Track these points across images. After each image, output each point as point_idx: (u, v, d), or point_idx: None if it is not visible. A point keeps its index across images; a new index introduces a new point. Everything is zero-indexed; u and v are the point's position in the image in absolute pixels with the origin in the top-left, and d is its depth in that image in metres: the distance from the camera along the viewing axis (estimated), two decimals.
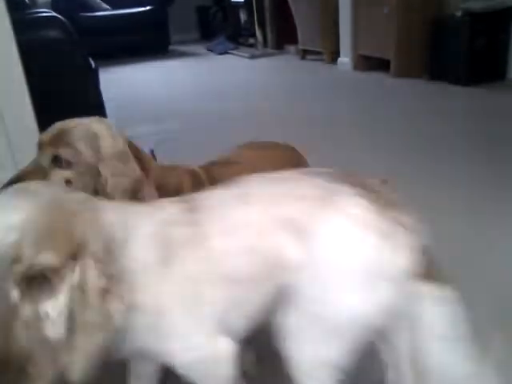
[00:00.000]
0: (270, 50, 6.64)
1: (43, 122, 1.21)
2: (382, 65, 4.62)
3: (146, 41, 7.24)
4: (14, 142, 2.15)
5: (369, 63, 4.83)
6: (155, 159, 2.48)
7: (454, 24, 3.91)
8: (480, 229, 1.85)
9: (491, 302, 1.39)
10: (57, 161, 1.05)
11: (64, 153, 1.04)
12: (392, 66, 4.45)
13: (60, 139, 1.03)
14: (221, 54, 6.95)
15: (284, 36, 6.50)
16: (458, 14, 3.87)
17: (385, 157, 2.66)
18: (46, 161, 1.07)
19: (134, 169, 1.06)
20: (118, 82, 5.52)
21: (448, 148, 2.71)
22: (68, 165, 1.04)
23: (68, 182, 1.05)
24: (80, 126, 1.05)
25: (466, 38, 3.80)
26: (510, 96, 3.60)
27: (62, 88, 2.37)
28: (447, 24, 4.00)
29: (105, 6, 7.39)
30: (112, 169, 1.04)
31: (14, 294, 0.63)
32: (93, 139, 1.05)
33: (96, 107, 2.48)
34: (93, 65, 2.61)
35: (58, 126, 1.07)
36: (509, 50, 3.93)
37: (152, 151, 2.68)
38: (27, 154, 1.26)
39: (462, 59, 3.88)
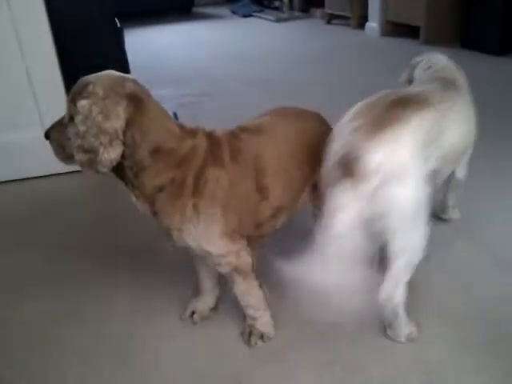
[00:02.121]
0: (295, 13, 6.46)
1: (69, 80, 1.20)
2: (411, 31, 4.47)
3: (169, 2, 7.11)
4: (40, 100, 2.16)
5: (397, 29, 4.68)
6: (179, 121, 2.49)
7: None
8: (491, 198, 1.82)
9: None
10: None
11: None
12: (421, 32, 4.31)
13: (78, 94, 1.02)
14: (245, 16, 6.80)
15: None
16: None
17: None
18: (65, 117, 1.08)
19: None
20: (141, 43, 5.46)
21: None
22: None
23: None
24: (99, 81, 1.03)
25: (500, 4, 3.64)
26: None
27: (89, 47, 2.36)
28: None
29: None
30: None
31: None
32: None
33: (121, 67, 2.46)
34: (118, 24, 2.58)
35: (80, 81, 1.06)
36: None
37: (175, 114, 2.68)
38: (54, 112, 1.27)
39: (495, 26, 3.72)
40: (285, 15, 6.41)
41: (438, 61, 1.62)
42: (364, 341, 1.27)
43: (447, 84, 1.42)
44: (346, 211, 1.06)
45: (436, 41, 4.24)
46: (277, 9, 6.80)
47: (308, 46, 4.77)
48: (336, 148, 1.15)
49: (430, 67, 1.60)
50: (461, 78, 1.55)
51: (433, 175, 1.20)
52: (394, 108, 1.16)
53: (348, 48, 4.57)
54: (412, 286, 1.23)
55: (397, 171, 1.07)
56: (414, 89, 1.42)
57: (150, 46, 5.37)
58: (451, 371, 1.17)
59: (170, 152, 1.07)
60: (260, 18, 6.60)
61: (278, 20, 6.21)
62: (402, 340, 1.26)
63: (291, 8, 6.62)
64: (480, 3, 3.83)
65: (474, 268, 1.52)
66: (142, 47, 5.24)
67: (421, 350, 1.23)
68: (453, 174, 1.63)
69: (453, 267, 1.53)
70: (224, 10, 7.49)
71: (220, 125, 1.27)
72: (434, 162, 1.21)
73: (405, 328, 1.25)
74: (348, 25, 5.38)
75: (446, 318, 1.33)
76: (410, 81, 1.67)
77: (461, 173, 1.65)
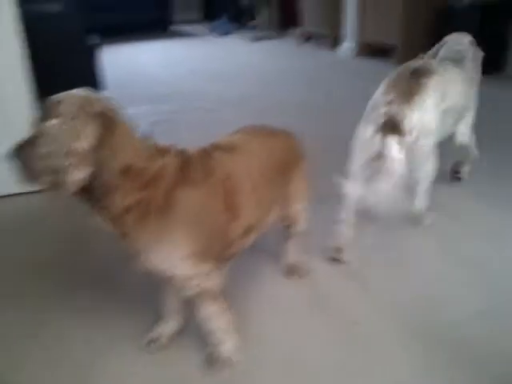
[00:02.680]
0: (272, 33, 6.54)
1: (43, 96, 1.17)
2: (385, 52, 4.56)
3: (146, 19, 7.13)
4: (10, 115, 2.11)
5: (372, 50, 4.77)
6: (152, 140, 2.46)
7: (462, 12, 3.85)
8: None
9: None
10: None
11: None
12: (396, 52, 4.39)
13: (47, 113, 1.00)
14: (223, 35, 6.86)
15: (287, 19, 6.41)
16: (466, 3, 3.81)
17: None
18: (33, 137, 1.04)
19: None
20: (118, 60, 5.44)
21: None
22: None
23: None
24: (68, 99, 1.00)
25: (473, 27, 3.73)
26: (508, 89, 3.56)
27: (63, 63, 2.34)
28: (455, 12, 3.94)
29: None
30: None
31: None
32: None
33: (96, 84, 2.44)
34: (94, 41, 2.56)
35: (50, 100, 1.03)
36: (510, 43, 3.88)
37: (149, 131, 2.66)
38: (23, 129, 1.23)
39: None
40: (262, 34, 6.48)
41: (460, 42, 2.13)
42: (330, 364, 1.25)
43: (455, 61, 1.97)
44: (399, 156, 1.51)
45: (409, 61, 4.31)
46: (254, 28, 6.88)
47: (284, 65, 4.82)
48: (379, 115, 1.58)
49: (451, 47, 2.11)
50: (468, 59, 2.04)
51: (441, 121, 1.72)
52: (414, 77, 1.67)
53: (323, 67, 4.63)
54: None
55: (425, 129, 1.60)
56: (422, 61, 1.91)
57: (127, 62, 5.36)
58: None
59: (139, 172, 1.04)
60: (237, 36, 6.66)
61: (255, 39, 6.27)
62: (425, 222, 1.83)
63: (268, 27, 6.70)
64: (454, 25, 3.92)
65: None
66: (119, 64, 5.21)
67: None
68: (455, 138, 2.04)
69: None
70: (202, 29, 7.54)
71: (195, 142, 1.25)
72: (443, 112, 1.72)
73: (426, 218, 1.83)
74: (324, 44, 5.46)
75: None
76: (434, 56, 2.11)
77: (463, 137, 2.05)
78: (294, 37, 6.20)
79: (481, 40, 3.65)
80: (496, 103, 3.22)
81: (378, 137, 1.54)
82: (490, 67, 3.85)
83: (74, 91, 1.04)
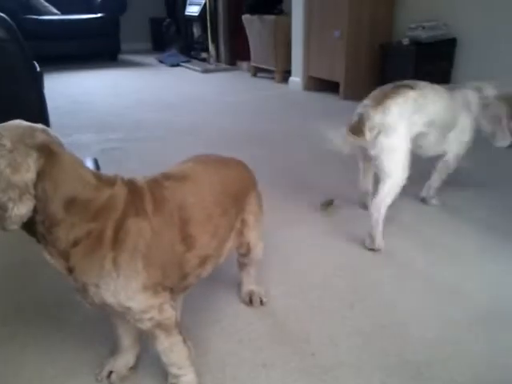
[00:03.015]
0: (222, 65, 6.64)
1: None
2: (331, 86, 4.72)
3: (94, 48, 7.07)
4: None
5: (319, 84, 4.93)
6: (98, 169, 2.40)
7: (401, 51, 4.08)
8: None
9: None
10: None
11: None
12: (341, 88, 4.56)
13: None
14: (172, 66, 6.89)
15: (237, 52, 6.53)
16: (405, 41, 4.03)
17: (334, 174, 2.70)
18: None
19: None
20: (64, 88, 5.34)
21: None
22: None
23: None
24: (6, 131, 0.96)
25: (411, 64, 3.96)
26: None
27: (5, 91, 2.25)
28: (394, 51, 4.16)
29: (54, 10, 7.15)
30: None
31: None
32: None
33: (39, 113, 2.36)
34: (37, 68, 2.49)
35: None
36: (450, 79, 4.13)
37: (95, 160, 2.59)
38: None
39: None
40: (212, 66, 6.56)
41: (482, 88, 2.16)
42: None
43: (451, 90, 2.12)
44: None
45: (354, 96, 4.49)
46: (204, 60, 6.96)
47: (233, 97, 4.89)
48: (356, 113, 1.92)
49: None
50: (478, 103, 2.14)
51: (422, 136, 1.96)
52: (392, 91, 1.89)
53: (272, 100, 4.73)
54: None
55: (386, 128, 1.82)
56: (407, 81, 1.99)
57: (73, 90, 5.26)
58: None
59: (85, 203, 1.00)
60: (187, 68, 6.71)
61: (205, 71, 6.34)
62: (376, 247, 1.89)
63: (218, 60, 6.80)
64: (393, 64, 4.15)
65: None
66: (64, 92, 5.11)
67: None
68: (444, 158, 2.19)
69: None
70: (151, 59, 7.55)
71: (144, 171, 1.23)
72: (421, 126, 1.92)
73: (379, 238, 1.89)
74: (273, 78, 5.59)
75: None
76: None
77: (450, 155, 2.17)
78: (243, 70, 6.33)
79: (420, 76, 3.92)
80: None
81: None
82: None
83: (12, 122, 0.99)
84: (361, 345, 1.40)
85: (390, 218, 1.94)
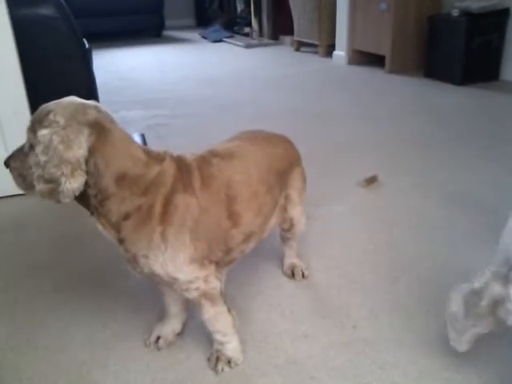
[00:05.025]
0: (265, 40, 6.58)
1: (35, 103, 1.17)
2: (376, 60, 4.61)
3: (139, 24, 7.15)
4: (4, 124, 2.11)
5: (363, 58, 4.83)
6: (145, 144, 2.46)
7: (450, 23, 3.92)
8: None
9: None
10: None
11: (32, 138, 1.01)
12: (387, 61, 4.45)
13: (39, 123, 1.00)
14: (215, 41, 6.89)
15: (280, 27, 6.45)
16: (455, 13, 3.87)
17: (375, 151, 2.67)
18: (26, 146, 1.05)
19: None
20: (110, 65, 5.45)
21: (438, 146, 2.72)
22: None
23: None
24: (59, 108, 1.00)
25: (461, 37, 3.80)
26: (502, 96, 3.63)
27: (56, 68, 2.33)
28: (443, 23, 4.01)
29: None
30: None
31: None
32: None
33: (89, 89, 2.44)
34: (86, 45, 2.56)
35: (41, 108, 1.03)
36: (502, 51, 3.95)
37: (143, 136, 2.66)
38: (18, 136, 1.23)
39: (457, 58, 3.89)
40: (255, 41, 6.51)
41: None
42: (329, 366, 1.26)
43: None
44: None
45: (401, 70, 4.38)
46: (247, 35, 6.92)
47: (277, 72, 4.86)
48: None
49: None
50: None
51: None
52: None
53: (315, 75, 4.67)
54: None
55: None
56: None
57: (119, 67, 5.36)
58: None
59: (135, 179, 1.05)
60: (230, 43, 6.69)
61: (248, 46, 6.31)
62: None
63: (261, 35, 6.75)
64: (442, 36, 4.00)
65: None
66: (109, 68, 5.22)
67: None
68: None
69: None
70: (194, 35, 7.57)
71: (190, 148, 1.27)
72: None
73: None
74: (316, 52, 5.51)
75: None
76: None
77: None
78: (286, 44, 6.25)
79: (470, 49, 3.77)
80: (492, 109, 3.30)
81: None
82: (485, 75, 3.96)
83: (66, 99, 1.04)
84: (402, 319, 1.41)
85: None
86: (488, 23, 3.82)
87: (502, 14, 3.83)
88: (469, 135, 2.87)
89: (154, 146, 1.18)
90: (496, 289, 1.05)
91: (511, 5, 3.81)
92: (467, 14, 3.80)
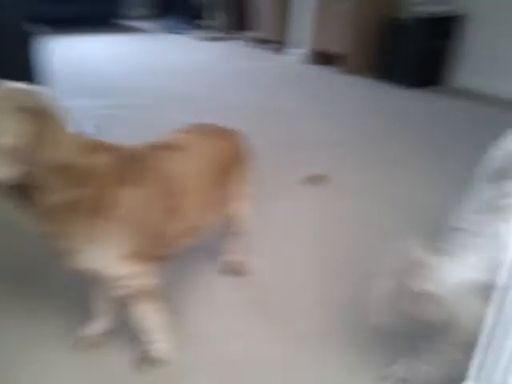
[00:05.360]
0: (224, 35, 6.53)
1: None
2: (332, 60, 4.66)
3: (95, 12, 6.92)
4: None
5: (321, 57, 4.86)
6: (93, 134, 2.39)
7: (402, 27, 4.01)
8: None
9: None
10: None
11: None
12: (342, 62, 4.50)
13: None
14: (174, 33, 6.78)
15: (240, 22, 6.41)
16: (412, 16, 3.96)
17: (324, 149, 2.70)
18: None
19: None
20: (63, 52, 5.27)
21: (383, 147, 2.78)
22: None
23: None
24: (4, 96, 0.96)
25: (411, 41, 3.91)
26: (447, 101, 3.75)
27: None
28: (396, 27, 4.09)
29: None
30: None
31: None
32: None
33: (28, 75, 2.34)
34: (34, 31, 2.46)
35: None
36: (450, 57, 4.08)
37: (91, 126, 2.59)
38: None
39: (407, 62, 3.99)
40: (213, 35, 6.46)
41: None
42: (262, 362, 1.27)
43: None
44: None
45: (355, 71, 4.44)
46: (205, 28, 6.84)
47: (232, 67, 4.83)
48: None
49: None
50: None
51: None
52: None
53: (271, 71, 4.68)
54: None
55: None
56: None
57: (72, 55, 5.18)
58: None
59: (72, 169, 1.00)
60: (189, 35, 6.61)
61: (207, 39, 6.25)
62: None
63: (220, 29, 6.69)
64: (395, 40, 4.09)
65: None
66: (63, 56, 5.04)
67: None
68: None
69: None
70: (153, 25, 7.42)
71: (139, 139, 1.23)
72: None
73: None
74: (276, 49, 5.51)
75: None
76: None
77: None
78: (246, 40, 6.23)
79: (424, 53, 3.87)
80: (436, 113, 3.40)
81: None
82: (432, 80, 4.08)
83: (7, 84, 0.99)
84: (338, 315, 1.42)
85: None
86: (437, 29, 3.92)
87: (450, 20, 3.93)
88: (413, 137, 2.95)
89: (103, 137, 1.13)
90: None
91: (468, 10, 3.90)
92: (423, 19, 3.89)
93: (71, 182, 1.00)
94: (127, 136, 1.24)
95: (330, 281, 1.60)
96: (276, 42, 5.43)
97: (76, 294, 1.43)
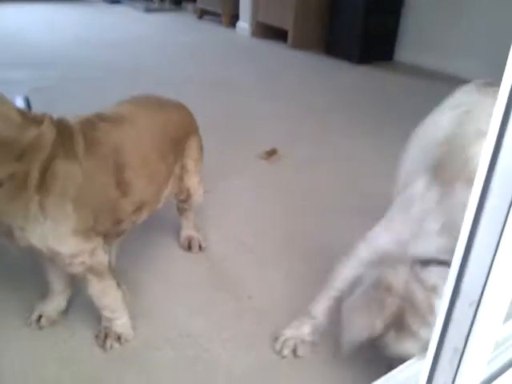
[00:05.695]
0: (166, 6, 6.32)
1: None
2: (280, 34, 4.62)
3: None
4: None
5: (267, 31, 4.80)
6: (30, 108, 2.25)
7: (350, 2, 4.01)
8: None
9: None
10: None
11: None
12: (289, 36, 4.47)
13: None
14: (113, 3, 6.49)
15: None
16: None
17: (275, 124, 2.68)
18: None
19: None
20: None
21: (332, 122, 2.80)
22: None
23: None
24: None
25: (359, 16, 3.92)
26: (396, 77, 3.82)
27: None
28: (344, 1, 4.09)
29: None
30: None
31: None
32: None
33: None
34: None
35: None
36: (397, 33, 4.15)
37: (27, 99, 2.43)
38: None
39: (355, 37, 4.01)
40: (155, 6, 6.24)
41: None
42: (223, 338, 1.25)
43: None
44: None
45: (302, 46, 4.43)
46: None
47: (177, 39, 4.69)
48: None
49: None
50: None
51: None
52: None
53: (218, 45, 4.58)
54: None
55: None
56: None
57: (4, 24, 4.85)
58: None
59: (8, 143, 0.92)
60: (129, 6, 6.35)
61: (148, 10, 6.02)
62: None
63: (162, 0, 6.47)
64: (342, 15, 4.09)
65: None
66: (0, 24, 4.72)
67: None
68: None
69: None
70: None
71: (78, 112, 1.15)
72: None
73: None
74: (220, 22, 5.39)
75: None
76: None
77: None
78: (189, 11, 6.06)
79: (370, 28, 3.91)
80: (385, 88, 3.46)
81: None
82: (381, 55, 4.13)
83: None
84: (296, 288, 1.43)
85: None
86: (385, 4, 3.96)
87: None
88: (362, 112, 2.98)
89: (41, 110, 1.05)
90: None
91: None
92: None
93: (9, 156, 0.93)
94: (70, 110, 1.16)
95: (286, 255, 1.60)
96: (222, 15, 5.31)
97: (32, 272, 1.36)
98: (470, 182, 0.57)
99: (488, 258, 0.56)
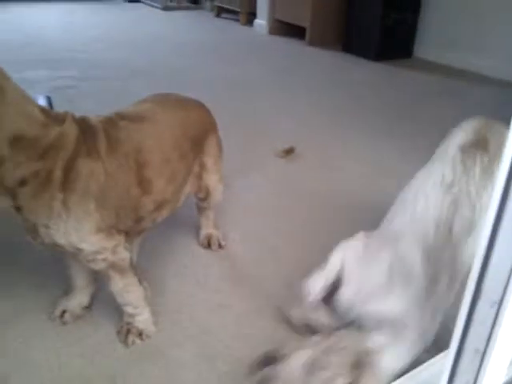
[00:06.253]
0: (184, 3, 6.35)
1: None
2: (297, 31, 4.61)
3: None
4: None
5: (285, 29, 4.80)
6: (51, 107, 2.29)
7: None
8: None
9: None
10: None
11: None
12: (307, 33, 4.46)
13: None
14: (131, 1, 6.54)
15: None
16: None
17: (293, 122, 2.68)
18: None
19: None
20: (14, 20, 5.00)
21: (351, 120, 2.79)
22: None
23: None
24: None
25: (377, 13, 3.89)
26: (414, 74, 3.78)
27: None
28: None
29: None
30: None
31: None
32: None
33: None
34: None
35: None
36: (416, 29, 4.11)
37: (49, 98, 2.47)
38: None
39: (373, 34, 3.98)
40: (173, 4, 6.27)
41: None
42: (244, 334, 1.26)
43: None
44: None
45: (320, 43, 4.42)
46: None
47: (195, 38, 4.71)
48: None
49: None
50: None
51: None
52: None
53: (235, 43, 4.59)
54: None
55: None
56: None
57: (24, 23, 4.93)
58: None
59: (32, 141, 0.94)
60: (147, 4, 6.39)
61: (166, 8, 6.06)
62: None
63: None
64: (360, 11, 4.06)
65: None
66: (15, 24, 4.79)
67: None
68: None
69: None
70: None
71: (99, 111, 1.18)
72: None
73: None
74: (237, 20, 5.40)
75: None
76: None
77: None
78: (206, 9, 6.08)
79: (386, 25, 3.87)
80: (403, 86, 3.42)
81: None
82: (399, 52, 4.09)
83: None
84: None
85: None
86: (402, 0, 3.93)
87: None
88: (380, 110, 2.96)
89: (62, 109, 1.07)
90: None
91: None
92: None
93: (33, 155, 0.95)
94: (90, 109, 1.18)
95: (305, 253, 1.60)
96: (239, 13, 5.32)
97: (56, 269, 1.39)
98: None
99: (510, 258, 0.56)
